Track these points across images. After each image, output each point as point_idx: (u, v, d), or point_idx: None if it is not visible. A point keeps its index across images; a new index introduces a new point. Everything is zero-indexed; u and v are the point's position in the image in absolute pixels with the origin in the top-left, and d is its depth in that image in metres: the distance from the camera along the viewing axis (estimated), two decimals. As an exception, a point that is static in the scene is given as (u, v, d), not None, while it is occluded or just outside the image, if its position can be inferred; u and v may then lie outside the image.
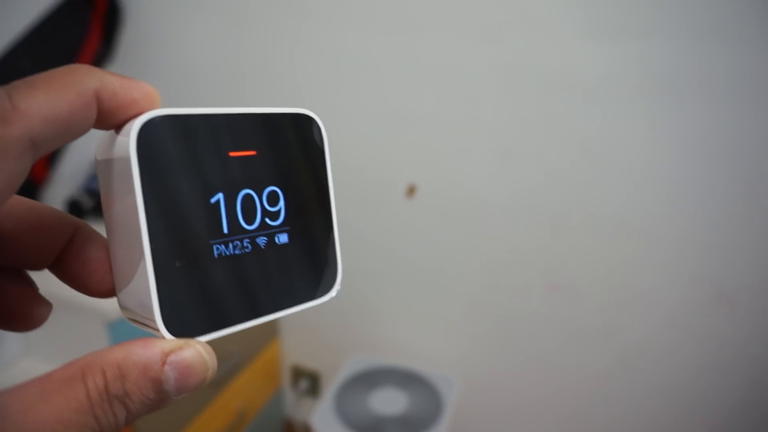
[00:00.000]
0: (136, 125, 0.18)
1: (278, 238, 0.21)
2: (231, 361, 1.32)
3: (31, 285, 0.22)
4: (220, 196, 0.20)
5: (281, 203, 0.22)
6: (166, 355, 0.17)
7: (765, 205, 1.00)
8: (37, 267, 0.22)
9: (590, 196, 1.10)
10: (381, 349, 1.44)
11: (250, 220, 0.20)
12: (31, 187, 1.26)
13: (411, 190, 1.24)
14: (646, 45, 0.96)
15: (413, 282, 1.34)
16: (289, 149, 0.22)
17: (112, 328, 1.01)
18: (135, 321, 0.19)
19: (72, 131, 0.17)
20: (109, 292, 0.21)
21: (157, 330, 0.18)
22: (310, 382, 1.60)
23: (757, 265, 1.04)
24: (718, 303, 1.09)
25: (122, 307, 0.20)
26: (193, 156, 0.19)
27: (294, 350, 1.59)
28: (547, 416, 1.35)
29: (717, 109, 0.97)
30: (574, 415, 1.32)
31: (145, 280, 0.18)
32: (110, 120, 0.18)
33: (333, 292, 0.24)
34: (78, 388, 0.16)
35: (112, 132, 0.19)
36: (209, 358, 0.18)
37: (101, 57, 1.31)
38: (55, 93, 0.17)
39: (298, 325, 1.54)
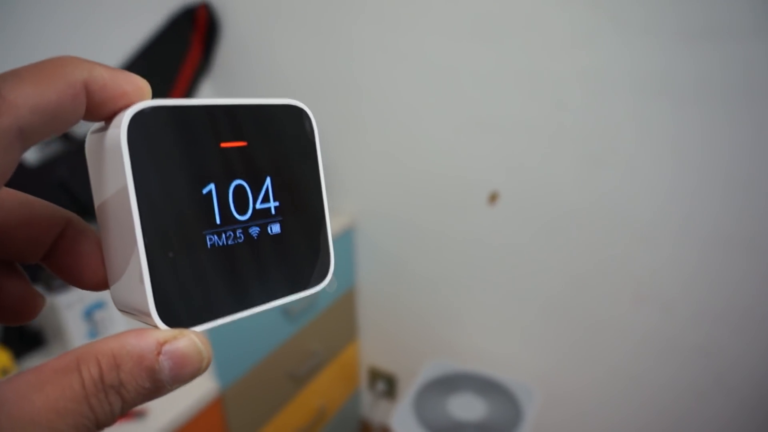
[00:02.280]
0: (126, 116, 0.18)
1: (270, 228, 0.21)
2: (313, 361, 1.38)
3: (24, 278, 0.22)
4: (212, 186, 0.20)
5: (273, 194, 0.22)
6: (161, 344, 0.17)
7: None
8: (29, 260, 0.22)
9: (683, 205, 1.05)
10: (459, 355, 1.44)
11: (242, 210, 0.20)
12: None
13: (493, 197, 1.24)
14: (746, 47, 0.91)
15: (493, 289, 1.33)
16: (280, 140, 0.22)
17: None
18: (128, 313, 0.19)
19: (61, 122, 0.17)
20: (101, 285, 0.21)
21: (151, 321, 0.18)
22: (386, 384, 1.62)
23: None
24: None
25: (115, 299, 0.20)
26: (184, 147, 0.19)
27: (371, 352, 1.63)
28: (633, 430, 1.29)
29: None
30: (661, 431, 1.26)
31: (138, 272, 0.18)
32: (100, 111, 0.18)
33: (325, 282, 0.24)
34: (73, 377, 0.16)
35: (102, 124, 0.19)
36: (204, 347, 0.18)
37: (201, 70, 1.42)
38: (43, 84, 0.17)
39: (376, 327, 1.58)
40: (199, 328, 0.19)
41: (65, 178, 1.10)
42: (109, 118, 0.19)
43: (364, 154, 1.39)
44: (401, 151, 1.32)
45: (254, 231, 0.21)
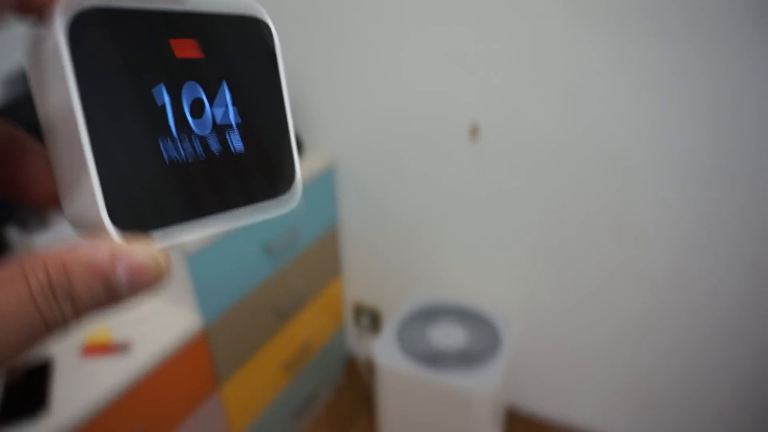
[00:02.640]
0: (65, 10, 0.16)
1: (231, 142, 0.20)
2: (297, 297, 1.40)
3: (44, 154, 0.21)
4: (164, 94, 0.18)
5: (232, 106, 0.20)
6: (115, 254, 0.16)
7: None
8: None
9: (663, 137, 1.05)
10: (440, 289, 1.47)
11: (199, 121, 0.19)
12: None
13: (474, 132, 1.23)
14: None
15: (474, 223, 1.34)
16: (238, 50, 0.21)
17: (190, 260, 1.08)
18: (83, 230, 0.18)
19: None
20: (52, 202, 0.20)
21: (105, 231, 0.17)
22: (371, 319, 1.66)
23: None
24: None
25: (69, 217, 0.18)
26: (132, 51, 0.18)
27: (355, 289, 1.65)
28: (608, 356, 1.34)
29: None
30: (634, 356, 1.31)
31: (88, 182, 0.17)
32: (32, 4, 0.17)
33: (292, 202, 0.22)
34: (18, 282, 0.15)
35: (38, 23, 0.17)
36: (162, 258, 0.17)
37: None
38: None
39: (360, 264, 1.59)
40: (157, 243, 0.18)
41: (34, 119, 1.07)
42: (43, 15, 0.17)
43: (343, 91, 1.36)
44: (381, 87, 1.29)
45: (214, 144, 0.20)
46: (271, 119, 0.22)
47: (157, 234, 0.18)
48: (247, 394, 1.31)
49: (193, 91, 0.19)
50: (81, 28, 0.16)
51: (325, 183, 1.43)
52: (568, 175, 1.17)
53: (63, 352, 1.01)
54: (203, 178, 0.19)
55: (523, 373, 1.48)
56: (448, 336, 1.18)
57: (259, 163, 0.21)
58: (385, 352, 1.13)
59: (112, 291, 0.16)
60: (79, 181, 0.17)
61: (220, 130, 0.20)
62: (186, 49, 0.19)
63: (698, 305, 1.18)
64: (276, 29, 0.22)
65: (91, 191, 0.17)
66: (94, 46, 0.17)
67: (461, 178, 1.30)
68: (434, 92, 1.23)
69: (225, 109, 0.20)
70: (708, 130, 1.01)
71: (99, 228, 0.17)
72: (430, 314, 1.25)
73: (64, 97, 0.17)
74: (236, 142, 0.20)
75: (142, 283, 0.17)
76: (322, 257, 1.52)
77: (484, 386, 1.05)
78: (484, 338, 1.17)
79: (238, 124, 0.20)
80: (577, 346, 1.37)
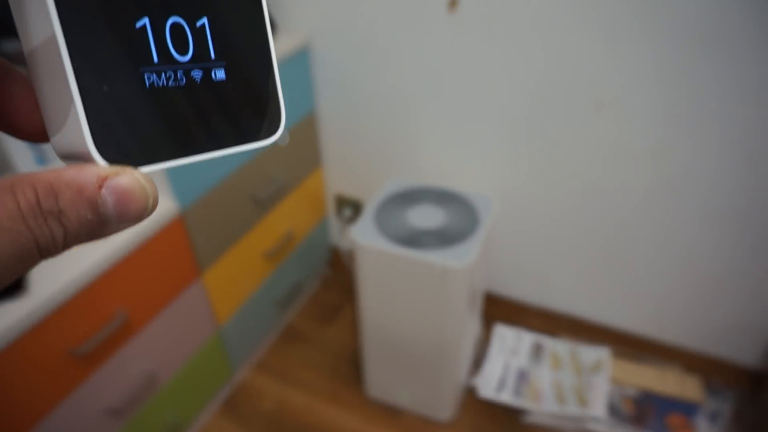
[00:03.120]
0: None
1: (214, 73, 0.20)
2: (275, 185, 1.38)
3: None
4: (146, 20, 0.18)
5: (215, 36, 0.20)
6: (102, 179, 0.16)
7: None
8: None
9: (643, 6, 1.00)
10: (420, 173, 1.46)
11: (181, 50, 0.19)
12: None
13: (453, 3, 1.16)
14: None
15: (453, 103, 1.30)
16: None
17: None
18: (70, 159, 0.18)
19: None
20: (38, 131, 0.20)
21: (92, 160, 0.17)
22: (353, 210, 1.66)
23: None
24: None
25: (55, 146, 0.19)
26: None
27: (336, 180, 1.64)
28: (586, 237, 1.36)
29: None
30: (612, 237, 1.33)
31: (74, 113, 0.17)
32: None
33: (277, 135, 0.23)
34: (7, 197, 0.15)
35: None
36: (148, 186, 0.17)
37: None
38: None
39: (340, 154, 1.57)
40: (143, 169, 0.18)
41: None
42: None
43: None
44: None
45: (197, 74, 0.20)
46: (254, 52, 0.22)
47: (142, 161, 0.19)
48: (230, 283, 1.32)
49: (176, 23, 0.19)
50: None
51: (299, 66, 1.37)
52: (550, 48, 1.12)
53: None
54: (187, 107, 0.20)
55: (502, 257, 1.51)
56: (426, 217, 1.19)
57: (241, 93, 0.22)
58: (363, 234, 1.14)
59: (100, 214, 0.16)
60: (64, 113, 0.17)
61: (203, 61, 0.20)
62: None
63: (678, 185, 1.18)
64: None
65: (77, 122, 0.17)
66: None
67: (439, 55, 1.25)
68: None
69: (208, 41, 0.20)
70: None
71: (86, 157, 0.17)
72: (408, 196, 1.25)
73: (47, 28, 0.17)
74: (218, 73, 0.21)
75: (128, 207, 0.17)
76: (301, 145, 1.49)
77: (461, 261, 1.06)
78: (462, 218, 1.18)
79: (220, 56, 0.21)
80: (556, 228, 1.39)
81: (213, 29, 0.21)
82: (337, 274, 1.85)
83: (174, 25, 0.19)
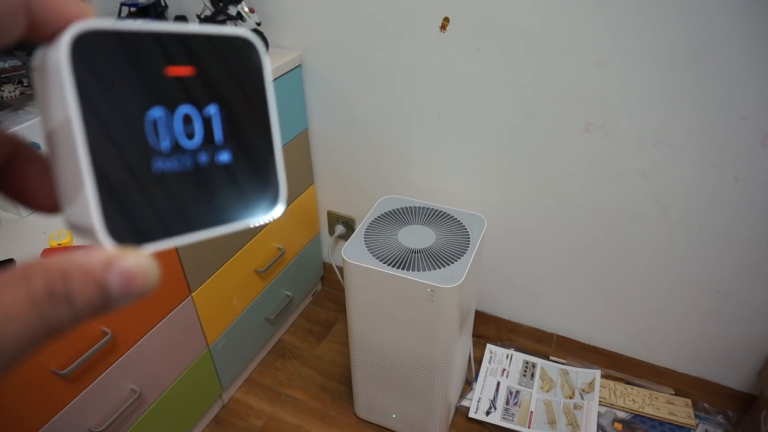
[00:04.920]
0: (69, 33, 0.18)
1: (220, 156, 0.22)
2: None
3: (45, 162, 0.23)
4: (158, 112, 0.20)
5: (222, 123, 0.22)
6: (108, 261, 0.17)
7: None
8: None
9: (633, 26, 1.01)
10: (412, 190, 1.46)
11: (190, 137, 0.21)
12: None
13: (444, 24, 1.17)
14: None
15: (444, 123, 1.31)
16: (228, 71, 0.22)
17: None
18: (78, 231, 0.20)
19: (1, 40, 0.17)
20: (53, 208, 0.22)
21: (99, 242, 0.19)
22: (345, 227, 1.66)
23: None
24: (766, 140, 1.02)
25: (67, 223, 0.20)
26: (129, 71, 0.19)
27: (328, 197, 1.64)
28: (577, 257, 1.37)
29: None
30: (602, 257, 1.33)
31: (85, 194, 0.18)
32: (41, 30, 0.18)
33: (277, 211, 0.24)
34: (20, 287, 0.16)
35: (46, 44, 0.19)
36: (151, 266, 0.18)
37: None
38: None
39: (331, 171, 1.57)
40: (147, 249, 0.19)
41: None
42: (51, 38, 0.18)
43: (307, -19, 1.27)
44: (347, -25, 1.21)
45: (203, 159, 0.21)
46: (258, 134, 0.23)
47: (147, 243, 0.20)
48: (220, 301, 1.32)
49: (185, 109, 0.21)
50: (83, 48, 0.18)
51: (292, 83, 1.38)
52: (540, 67, 1.13)
53: (24, 255, 1.00)
54: (191, 189, 0.21)
55: (493, 276, 1.51)
56: (417, 236, 1.19)
57: (244, 175, 0.23)
58: (353, 254, 1.14)
59: (106, 296, 0.17)
60: (77, 193, 0.19)
61: (210, 146, 0.21)
62: (181, 69, 0.21)
63: (667, 205, 1.18)
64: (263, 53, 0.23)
65: (87, 203, 0.18)
66: (94, 65, 0.18)
67: (431, 74, 1.25)
68: (403, -18, 1.16)
69: (215, 128, 0.22)
70: (680, 18, 0.97)
71: (94, 237, 0.19)
72: (400, 216, 1.25)
73: (64, 112, 0.18)
74: (223, 157, 0.22)
75: (133, 288, 0.18)
76: (293, 163, 1.49)
77: (450, 282, 1.06)
78: (453, 238, 1.18)
79: (226, 141, 0.22)
80: (546, 247, 1.39)
81: (220, 116, 0.22)
82: (329, 290, 1.85)
83: (184, 115, 0.21)
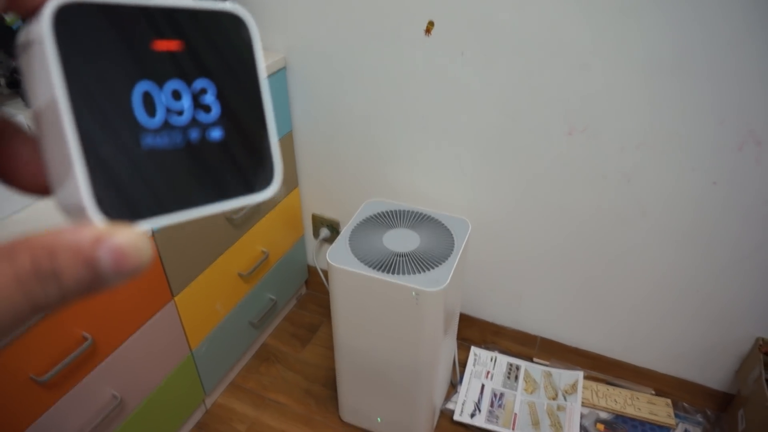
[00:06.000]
0: (50, 5, 0.17)
1: (211, 133, 0.21)
2: (251, 206, 1.37)
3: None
4: (146, 86, 0.19)
5: (212, 98, 0.21)
6: (98, 238, 0.17)
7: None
8: None
9: (619, 30, 1.02)
10: (397, 194, 1.46)
11: (179, 112, 0.20)
12: None
13: (429, 27, 1.17)
14: None
15: (429, 125, 1.31)
16: (217, 46, 0.22)
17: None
18: (70, 214, 0.19)
19: None
20: (42, 189, 0.21)
21: (89, 219, 0.18)
22: (330, 230, 1.66)
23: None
24: (745, 144, 1.04)
25: (58, 203, 0.20)
26: (115, 46, 0.19)
27: (313, 200, 1.63)
28: (559, 260, 1.38)
29: None
30: (584, 260, 1.35)
31: (75, 172, 0.18)
32: (24, 2, 0.18)
33: (272, 189, 0.23)
34: (4, 265, 0.16)
35: (29, 20, 0.18)
36: (142, 244, 0.18)
37: None
38: None
39: (316, 174, 1.56)
40: (139, 227, 0.19)
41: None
42: (34, 13, 0.18)
43: (292, -17, 1.27)
44: (331, -22, 1.21)
45: (193, 135, 0.21)
46: (250, 111, 0.23)
47: (139, 220, 0.19)
48: (203, 304, 1.30)
49: (174, 85, 0.20)
50: (67, 22, 0.17)
51: (276, 85, 1.37)
52: (524, 70, 1.14)
53: None
54: (183, 166, 0.21)
55: (477, 279, 1.52)
56: (402, 240, 1.19)
57: (237, 151, 0.22)
58: (338, 257, 1.13)
59: (96, 274, 0.17)
60: (65, 171, 0.18)
61: (200, 122, 0.21)
62: (169, 44, 0.20)
63: (648, 208, 1.20)
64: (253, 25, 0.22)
65: (77, 181, 0.18)
66: (79, 40, 0.18)
67: (415, 77, 1.26)
68: (388, -14, 1.16)
69: (205, 103, 0.21)
70: (663, 22, 0.99)
71: (85, 215, 0.18)
72: (384, 220, 1.25)
73: (50, 89, 0.18)
74: (215, 133, 0.21)
75: (124, 266, 0.17)
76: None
77: (435, 285, 1.06)
78: (438, 241, 1.18)
79: (217, 117, 0.22)
80: (529, 250, 1.40)
81: (210, 92, 0.21)
82: (314, 295, 1.84)
83: (172, 90, 0.20)
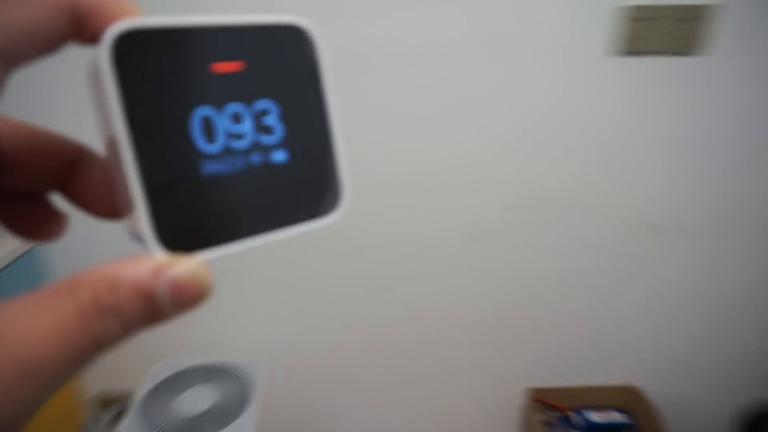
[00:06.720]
0: (109, 34, 0.17)
1: (274, 155, 0.20)
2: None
3: (43, 201, 0.23)
4: (205, 111, 0.19)
5: (274, 119, 0.20)
6: (157, 270, 0.17)
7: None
8: (44, 190, 0.22)
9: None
10: (188, 347, 1.40)
11: (240, 136, 0.20)
12: None
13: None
14: None
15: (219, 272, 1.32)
16: (279, 62, 0.21)
17: None
18: (136, 239, 0.19)
19: (43, 42, 0.17)
20: (114, 214, 0.21)
21: (149, 250, 0.18)
22: (120, 407, 1.50)
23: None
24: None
25: (124, 228, 0.20)
26: (175, 70, 0.18)
27: (100, 375, 1.48)
28: (367, 381, 1.44)
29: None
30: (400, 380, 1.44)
31: (134, 200, 0.18)
32: (87, 30, 0.18)
33: (338, 212, 0.22)
34: (66, 300, 0.16)
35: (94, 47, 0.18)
36: (203, 273, 0.18)
37: None
38: (22, 3, 0.16)
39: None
40: (201, 256, 0.18)
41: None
42: (94, 40, 0.18)
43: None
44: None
45: (255, 158, 0.20)
46: (314, 130, 0.22)
47: (201, 250, 0.19)
48: None
49: (234, 108, 0.19)
50: (125, 52, 0.17)
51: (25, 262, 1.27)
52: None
53: None
54: (244, 192, 0.20)
55: (287, 417, 1.50)
56: (196, 399, 1.14)
57: (301, 173, 0.21)
58: (129, 438, 1.04)
59: (155, 306, 0.17)
60: (129, 202, 0.18)
61: (261, 145, 0.20)
62: (227, 65, 0.19)
63: (478, 317, 1.35)
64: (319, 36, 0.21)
65: (138, 213, 0.18)
66: (138, 68, 0.18)
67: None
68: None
69: (266, 123, 0.20)
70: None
71: (145, 245, 0.18)
72: (177, 380, 1.19)
73: (111, 124, 0.18)
74: (278, 156, 0.21)
75: (182, 298, 0.17)
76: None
77: (239, 440, 1.04)
78: (234, 391, 1.16)
79: (280, 138, 0.21)
80: (341, 376, 1.44)
81: (273, 115, 0.20)
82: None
83: (233, 113, 0.19)
